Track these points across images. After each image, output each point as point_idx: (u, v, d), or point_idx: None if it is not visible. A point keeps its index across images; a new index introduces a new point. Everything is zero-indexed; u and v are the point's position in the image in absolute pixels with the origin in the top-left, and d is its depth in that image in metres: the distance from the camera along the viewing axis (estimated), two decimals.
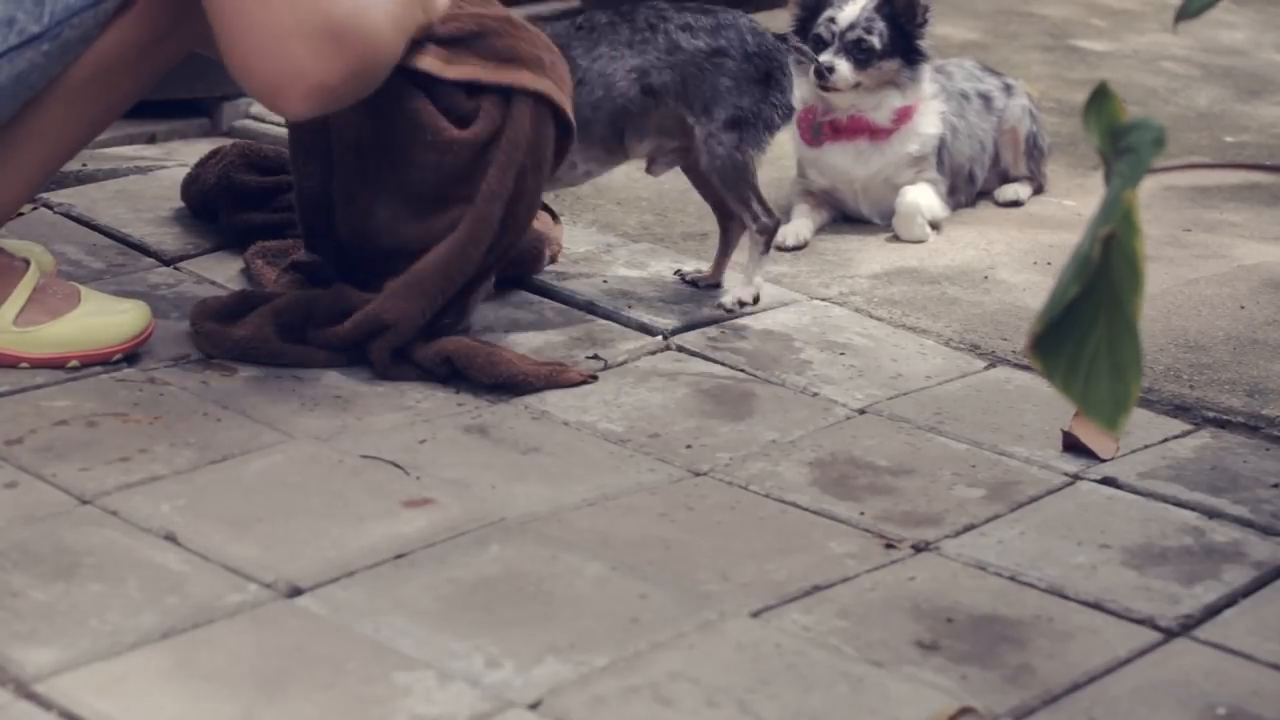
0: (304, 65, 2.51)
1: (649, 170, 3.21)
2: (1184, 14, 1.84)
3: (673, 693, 2.01)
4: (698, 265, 3.29)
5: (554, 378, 2.81)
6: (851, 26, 3.59)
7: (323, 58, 2.51)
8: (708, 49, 3.02)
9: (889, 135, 3.67)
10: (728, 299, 3.11)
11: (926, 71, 3.67)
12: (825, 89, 3.60)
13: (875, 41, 3.58)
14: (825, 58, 3.58)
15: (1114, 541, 2.46)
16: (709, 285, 3.23)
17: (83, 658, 1.99)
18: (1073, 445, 2.73)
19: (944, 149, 3.73)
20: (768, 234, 3.09)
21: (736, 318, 3.13)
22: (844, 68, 3.58)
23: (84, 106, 2.70)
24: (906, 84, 3.64)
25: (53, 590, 2.12)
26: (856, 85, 3.61)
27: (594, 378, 2.85)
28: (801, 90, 3.68)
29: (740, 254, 3.21)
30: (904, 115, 3.67)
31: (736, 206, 3.10)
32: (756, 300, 3.11)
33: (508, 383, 2.78)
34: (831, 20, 3.61)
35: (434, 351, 2.79)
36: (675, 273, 3.29)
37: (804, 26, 3.66)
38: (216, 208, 3.28)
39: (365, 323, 2.78)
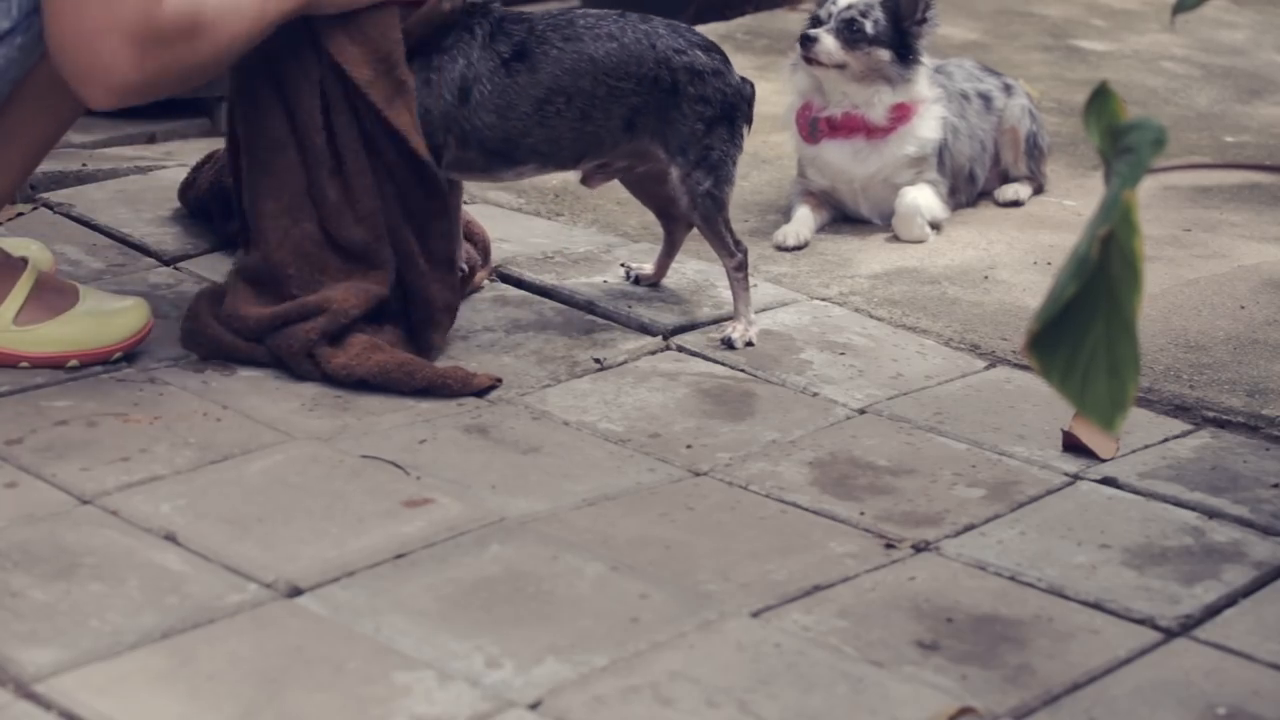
0: (106, 63, 2.52)
1: (584, 183, 3.19)
2: (1181, 7, 1.84)
3: (673, 693, 2.01)
4: (640, 264, 3.29)
5: (467, 381, 2.81)
6: (848, 7, 3.61)
7: (125, 59, 2.52)
8: (697, 95, 2.99)
9: (886, 135, 3.67)
10: (735, 336, 3.05)
11: (922, 73, 3.66)
12: (808, 60, 3.61)
13: (868, 26, 3.60)
14: (813, 31, 3.60)
15: (1114, 541, 2.46)
16: (650, 284, 3.24)
17: (83, 658, 1.99)
18: (1073, 445, 2.73)
19: (945, 150, 3.73)
20: (744, 269, 3.08)
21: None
22: (829, 41, 3.59)
23: (51, 102, 2.70)
24: (898, 80, 3.64)
25: (53, 590, 2.12)
26: (843, 66, 3.61)
27: (499, 381, 2.84)
28: (799, 82, 3.70)
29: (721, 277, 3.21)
30: (901, 115, 3.66)
31: (713, 243, 3.09)
32: (754, 338, 3.08)
33: (428, 389, 2.78)
34: (832, 1, 3.63)
35: (343, 369, 2.77)
36: (621, 265, 3.29)
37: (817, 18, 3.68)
38: (211, 213, 3.28)
39: (298, 309, 2.78)
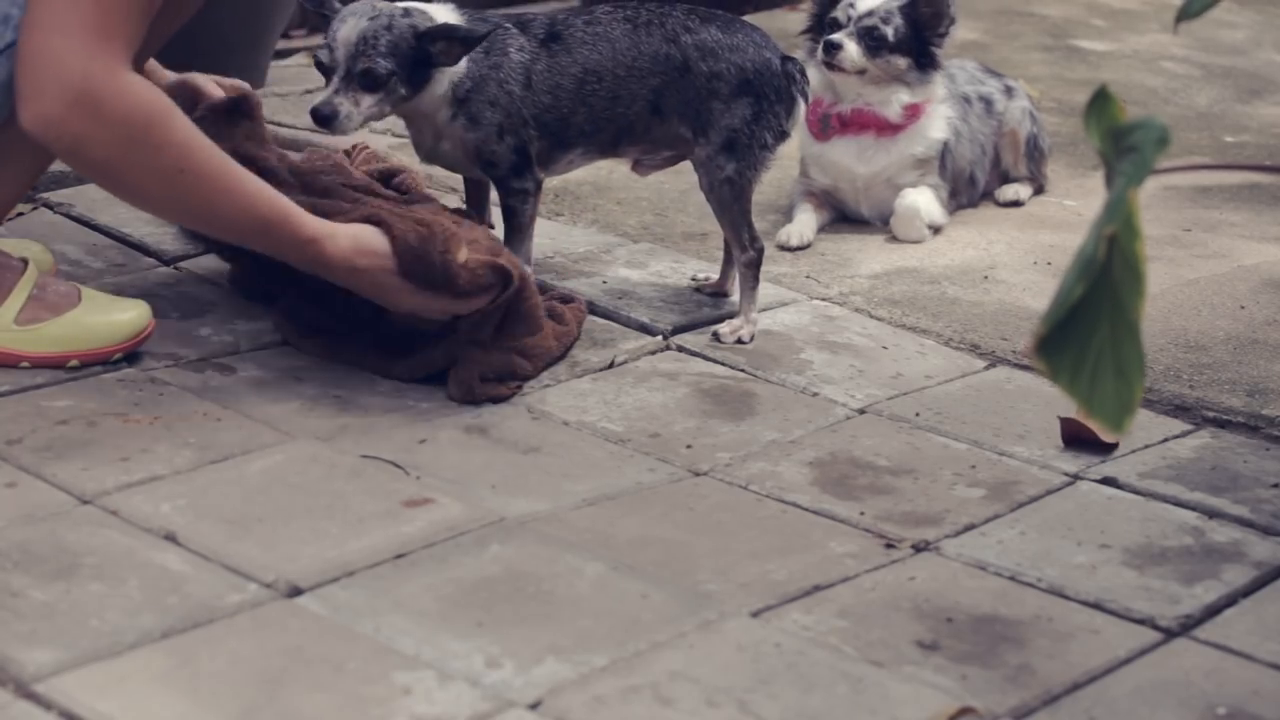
0: (41, 83, 2.44)
1: (634, 169, 3.21)
2: (1185, 14, 1.84)
3: (673, 693, 2.01)
4: (709, 273, 3.28)
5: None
6: (869, 14, 3.62)
7: (53, 94, 2.43)
8: (709, 71, 3.00)
9: (896, 132, 3.67)
10: (725, 330, 3.06)
11: (937, 78, 3.68)
12: (831, 66, 3.62)
13: (889, 33, 3.61)
14: (836, 37, 3.60)
15: (1114, 541, 2.46)
16: (714, 294, 3.22)
17: (83, 658, 1.99)
18: (1072, 436, 2.72)
19: (948, 153, 3.74)
20: (754, 266, 3.06)
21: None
22: (852, 49, 3.61)
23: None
24: (916, 85, 3.65)
25: (53, 590, 2.12)
26: (863, 72, 3.62)
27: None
28: (810, 79, 3.70)
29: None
30: (914, 113, 3.67)
31: (727, 232, 3.09)
32: (752, 338, 3.07)
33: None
34: (850, 5, 3.64)
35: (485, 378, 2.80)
36: (691, 278, 3.28)
37: (822, 15, 3.68)
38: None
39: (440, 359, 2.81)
